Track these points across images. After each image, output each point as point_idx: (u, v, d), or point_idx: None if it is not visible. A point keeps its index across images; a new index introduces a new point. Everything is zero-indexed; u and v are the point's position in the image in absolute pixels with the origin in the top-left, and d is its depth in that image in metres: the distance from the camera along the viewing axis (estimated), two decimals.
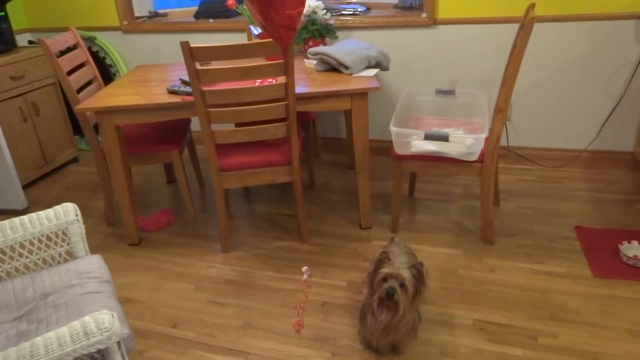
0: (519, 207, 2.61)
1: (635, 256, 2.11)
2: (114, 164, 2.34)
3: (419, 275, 1.54)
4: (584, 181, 2.83)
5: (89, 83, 2.67)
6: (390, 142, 2.19)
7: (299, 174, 2.29)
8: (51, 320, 1.38)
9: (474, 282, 2.10)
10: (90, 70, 2.68)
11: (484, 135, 2.05)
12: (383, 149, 3.30)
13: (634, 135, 2.84)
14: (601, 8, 2.60)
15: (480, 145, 2.07)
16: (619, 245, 2.20)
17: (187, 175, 2.61)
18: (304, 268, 2.25)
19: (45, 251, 1.62)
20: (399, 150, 2.20)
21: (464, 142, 2.09)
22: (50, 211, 1.62)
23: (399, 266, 1.55)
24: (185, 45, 1.93)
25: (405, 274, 1.53)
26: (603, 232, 2.34)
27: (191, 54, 1.95)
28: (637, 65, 2.68)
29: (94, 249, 2.52)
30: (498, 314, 1.92)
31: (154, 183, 3.21)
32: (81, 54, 2.65)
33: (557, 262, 2.18)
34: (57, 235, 1.62)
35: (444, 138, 2.05)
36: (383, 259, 1.57)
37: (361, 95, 2.21)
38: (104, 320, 1.14)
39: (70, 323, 1.15)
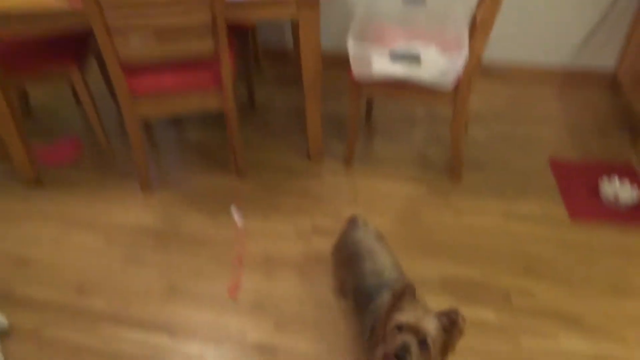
0: (488, 134, 2.30)
1: (616, 196, 1.87)
2: None
3: (451, 327, 1.08)
4: (559, 103, 2.52)
5: None
6: (346, 53, 1.75)
7: (233, 100, 1.84)
8: None
9: (441, 228, 1.81)
10: None
11: (464, 53, 1.64)
12: (337, 61, 2.83)
13: (618, 51, 2.52)
14: None
15: (457, 68, 1.68)
16: (599, 180, 1.96)
17: (93, 94, 2.09)
18: (233, 208, 1.91)
19: None
20: (358, 71, 1.78)
21: (437, 64, 1.68)
22: None
23: (422, 316, 1.08)
24: None
25: (430, 328, 1.06)
26: (581, 166, 2.08)
27: None
28: None
29: None
30: (467, 267, 1.66)
31: (61, 102, 2.64)
32: None
33: (532, 201, 1.92)
34: None
35: (415, 59, 1.64)
36: (406, 294, 1.11)
37: (310, 1, 1.72)
38: None
39: None
